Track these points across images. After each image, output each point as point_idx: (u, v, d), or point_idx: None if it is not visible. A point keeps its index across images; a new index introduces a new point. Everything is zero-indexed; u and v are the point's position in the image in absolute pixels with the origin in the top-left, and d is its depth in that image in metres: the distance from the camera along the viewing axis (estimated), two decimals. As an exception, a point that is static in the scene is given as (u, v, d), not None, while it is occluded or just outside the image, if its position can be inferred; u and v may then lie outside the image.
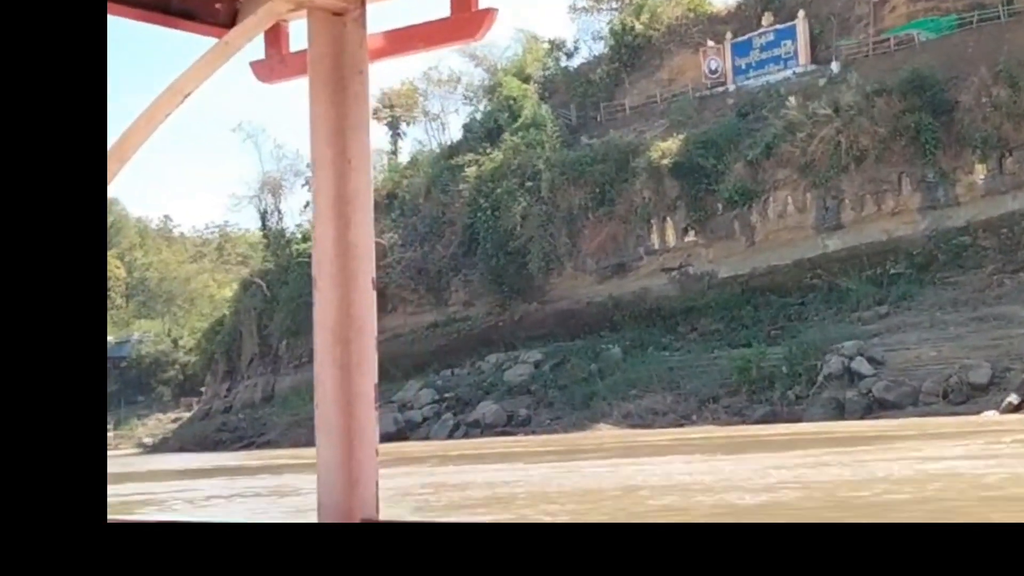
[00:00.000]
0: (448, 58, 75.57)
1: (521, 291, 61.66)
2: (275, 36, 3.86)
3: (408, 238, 65.27)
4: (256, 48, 3.88)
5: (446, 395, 59.02)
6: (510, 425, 53.98)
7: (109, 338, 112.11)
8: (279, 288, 70.92)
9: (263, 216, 78.73)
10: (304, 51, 3.59)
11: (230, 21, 3.66)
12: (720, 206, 56.59)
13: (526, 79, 69.42)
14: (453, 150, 69.64)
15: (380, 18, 3.63)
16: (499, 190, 61.81)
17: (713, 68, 63.50)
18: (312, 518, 3.39)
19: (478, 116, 69.60)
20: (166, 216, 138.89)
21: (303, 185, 79.09)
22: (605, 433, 46.80)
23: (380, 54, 3.66)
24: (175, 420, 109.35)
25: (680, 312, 57.09)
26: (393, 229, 65.84)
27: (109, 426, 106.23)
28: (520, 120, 64.74)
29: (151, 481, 33.89)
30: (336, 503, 3.34)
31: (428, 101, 75.39)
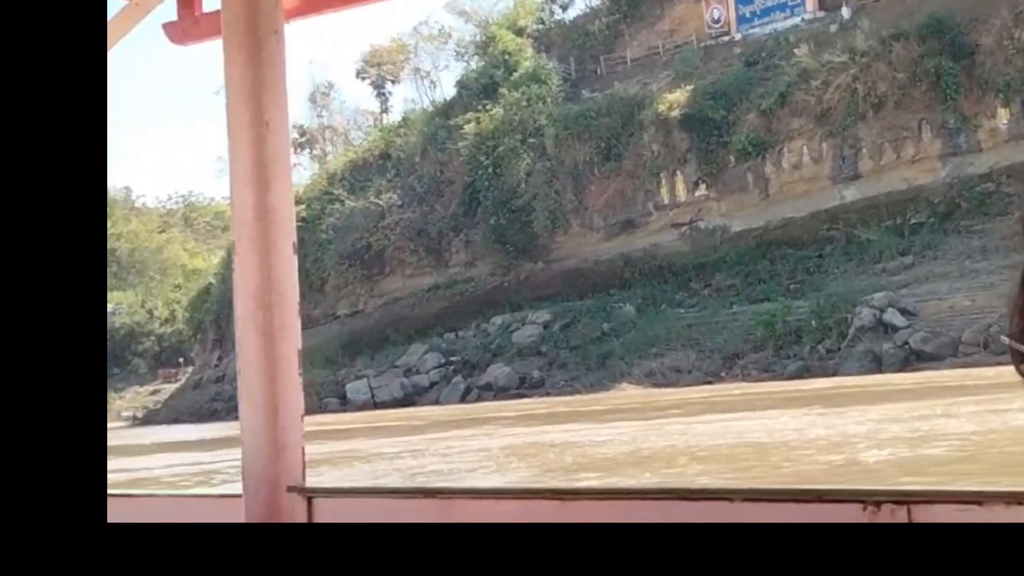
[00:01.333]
0: (436, 13, 73.41)
1: (525, 250, 59.95)
2: None
3: (406, 199, 63.30)
4: (168, 9, 3.79)
5: (452, 358, 57.43)
6: (523, 387, 52.55)
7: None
8: (271, 253, 68.72)
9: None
10: (217, 12, 3.48)
11: None
12: (732, 158, 55.10)
13: (519, 32, 67.42)
14: (448, 107, 67.66)
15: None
16: (501, 147, 59.96)
17: (716, 17, 61.85)
18: None
19: (472, 73, 67.38)
20: (126, 187, 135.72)
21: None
22: (630, 393, 45.37)
23: (296, 13, 3.56)
24: (154, 392, 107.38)
25: (692, 268, 55.62)
26: (390, 190, 63.89)
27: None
28: (519, 74, 62.83)
29: (179, 452, 32.14)
30: (262, 471, 3.24)
31: (418, 58, 73.19)
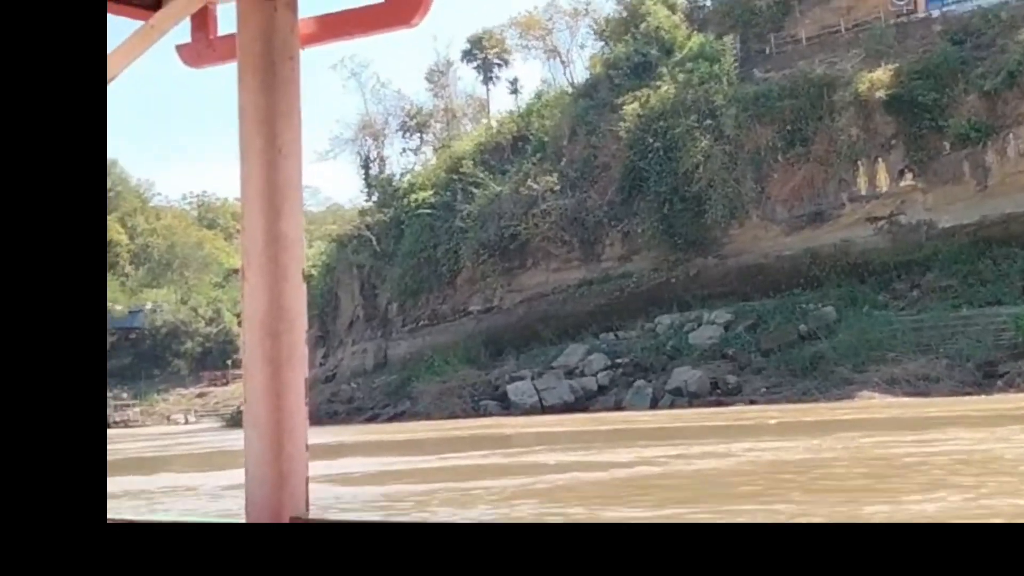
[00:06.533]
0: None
1: (695, 243, 54.20)
2: (202, 19, 3.75)
3: (560, 185, 57.39)
4: (183, 31, 3.77)
5: (619, 360, 51.63)
6: (716, 394, 46.86)
7: (120, 308, 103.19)
8: (391, 243, 62.89)
9: (365, 162, 70.10)
10: (232, 35, 3.46)
11: (155, 3, 3.58)
12: (947, 145, 49.47)
13: (671, 8, 61.88)
14: (591, 88, 61.94)
15: (313, 2, 3.49)
16: (677, 129, 54.13)
17: (902, -6, 56.32)
18: None
19: (621, 51, 61.46)
20: (149, 180, 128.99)
21: (397, 130, 70.95)
22: (878, 402, 39.70)
23: (312, 39, 3.53)
24: (200, 395, 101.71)
25: (894, 267, 49.95)
26: (537, 175, 58.02)
27: (132, 400, 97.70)
28: (685, 52, 57.22)
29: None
30: (265, 500, 3.22)
31: (553, 36, 67.42)
